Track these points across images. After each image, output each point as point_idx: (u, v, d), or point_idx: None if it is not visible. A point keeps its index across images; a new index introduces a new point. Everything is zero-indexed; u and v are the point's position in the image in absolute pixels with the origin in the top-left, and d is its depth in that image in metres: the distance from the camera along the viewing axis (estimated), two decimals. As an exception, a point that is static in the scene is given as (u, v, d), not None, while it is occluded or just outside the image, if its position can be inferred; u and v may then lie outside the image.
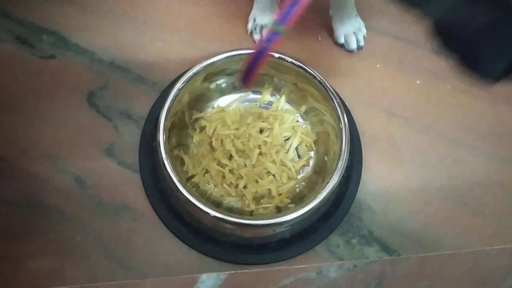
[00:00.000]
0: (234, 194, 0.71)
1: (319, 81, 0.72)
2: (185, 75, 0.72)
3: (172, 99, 0.70)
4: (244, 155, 0.73)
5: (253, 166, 0.72)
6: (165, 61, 0.81)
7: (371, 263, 0.70)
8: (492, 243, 0.72)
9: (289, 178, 0.73)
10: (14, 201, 0.72)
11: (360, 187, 0.74)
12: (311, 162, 0.75)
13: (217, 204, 0.71)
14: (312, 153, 0.76)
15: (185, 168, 0.72)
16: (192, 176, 0.72)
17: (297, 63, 0.73)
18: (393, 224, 0.72)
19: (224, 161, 0.72)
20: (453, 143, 0.78)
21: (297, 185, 0.73)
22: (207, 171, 0.73)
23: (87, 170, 0.74)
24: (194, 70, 0.72)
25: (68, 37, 0.83)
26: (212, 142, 0.73)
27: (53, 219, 0.71)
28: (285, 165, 0.73)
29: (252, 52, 0.58)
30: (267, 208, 0.71)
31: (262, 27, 0.83)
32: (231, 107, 0.77)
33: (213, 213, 0.65)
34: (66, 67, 0.81)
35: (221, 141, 0.73)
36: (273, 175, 0.73)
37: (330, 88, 0.71)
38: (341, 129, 0.69)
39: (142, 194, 0.72)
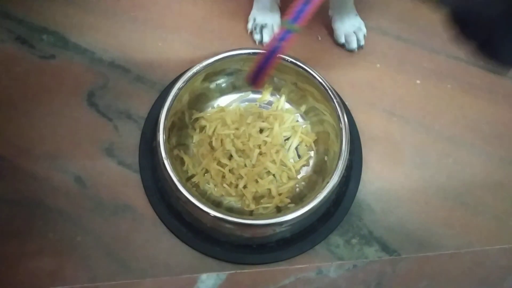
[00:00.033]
0: (234, 194, 0.71)
1: (319, 81, 0.72)
2: (185, 75, 0.72)
3: (172, 99, 0.70)
4: (244, 155, 0.73)
5: (253, 166, 0.72)
6: (165, 61, 0.81)
7: (371, 263, 0.70)
8: (492, 243, 0.72)
9: (289, 178, 0.73)
10: (14, 201, 0.72)
11: (360, 187, 0.74)
12: (311, 162, 0.75)
13: (217, 204, 0.71)
14: (312, 153, 0.76)
15: (185, 168, 0.72)
16: (192, 176, 0.72)
17: (297, 62, 0.73)
18: (393, 224, 0.72)
19: (224, 161, 0.72)
20: (453, 143, 0.78)
21: (297, 185, 0.73)
22: (207, 171, 0.73)
23: (87, 170, 0.74)
24: (194, 70, 0.72)
25: (68, 37, 0.83)
26: (212, 142, 0.73)
27: (53, 219, 0.71)
28: (285, 165, 0.73)
29: (264, 52, 0.58)
30: (267, 208, 0.71)
31: (262, 27, 0.83)
32: (231, 107, 0.77)
33: (213, 213, 0.65)
34: (66, 67, 0.81)
35: (221, 141, 0.73)
36: (273, 175, 0.73)
37: (330, 87, 0.71)
38: (341, 129, 0.69)
39: (142, 194, 0.72)
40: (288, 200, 0.71)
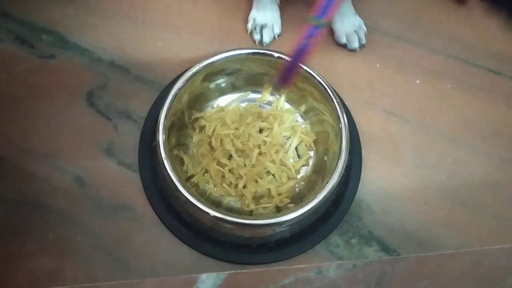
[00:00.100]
0: (233, 193, 0.71)
1: (318, 81, 0.72)
2: (184, 75, 0.72)
3: (171, 99, 0.70)
4: (244, 155, 0.73)
5: (253, 165, 0.72)
6: (165, 61, 0.81)
7: (370, 263, 0.70)
8: (492, 242, 0.72)
9: (289, 178, 0.73)
10: (13, 200, 0.72)
11: (359, 187, 0.74)
12: (311, 162, 0.75)
13: (216, 204, 0.71)
14: (311, 153, 0.76)
15: (184, 167, 0.72)
16: (192, 176, 0.72)
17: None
18: (393, 224, 0.72)
19: (224, 160, 0.72)
20: (453, 143, 0.78)
21: (296, 185, 0.73)
22: (206, 171, 0.73)
23: (86, 169, 0.74)
24: (194, 69, 0.72)
25: (68, 36, 0.83)
26: (211, 141, 0.73)
27: (53, 219, 0.71)
28: (285, 165, 0.73)
29: (293, 50, 0.58)
30: (266, 208, 0.71)
31: (262, 27, 0.83)
32: (230, 107, 0.77)
33: (212, 213, 0.65)
34: (65, 66, 0.81)
35: (221, 140, 0.73)
36: (273, 175, 0.73)
37: (329, 87, 0.71)
38: (340, 129, 0.69)
39: (141, 194, 0.72)
40: (288, 200, 0.71)
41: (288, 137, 0.75)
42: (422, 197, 0.74)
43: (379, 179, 0.75)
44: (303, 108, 0.77)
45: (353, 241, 0.71)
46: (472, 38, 0.86)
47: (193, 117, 0.75)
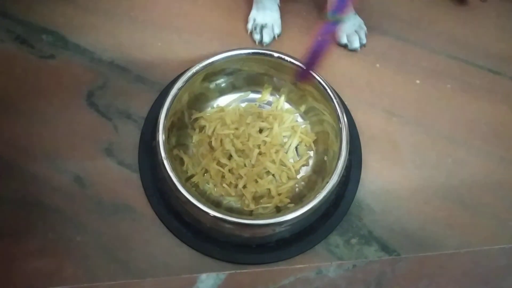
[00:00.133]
0: (233, 193, 0.71)
1: (318, 81, 0.72)
2: (184, 75, 0.72)
3: (171, 99, 0.70)
4: (244, 155, 0.73)
5: (253, 165, 0.72)
6: (165, 61, 0.81)
7: (370, 263, 0.70)
8: (492, 242, 0.72)
9: (289, 178, 0.73)
10: (13, 200, 0.72)
11: (359, 187, 0.74)
12: (311, 162, 0.75)
13: (216, 204, 0.71)
14: (311, 153, 0.76)
15: (184, 168, 0.72)
16: (192, 176, 0.72)
17: (297, 62, 0.73)
18: (393, 224, 0.72)
19: (224, 160, 0.72)
20: (453, 143, 0.78)
21: (296, 185, 0.73)
22: (206, 171, 0.73)
23: (86, 169, 0.74)
24: (194, 69, 0.72)
25: (68, 36, 0.83)
26: (211, 141, 0.73)
27: (53, 219, 0.71)
28: (285, 165, 0.73)
29: (311, 46, 0.58)
30: (266, 208, 0.71)
31: (262, 27, 0.83)
32: (230, 107, 0.77)
33: (212, 213, 0.65)
34: (65, 66, 0.81)
35: (221, 140, 0.73)
36: (273, 175, 0.73)
37: (329, 87, 0.71)
38: (340, 129, 0.69)
39: (141, 194, 0.72)
40: (288, 200, 0.71)
41: (288, 137, 0.75)
42: (422, 197, 0.74)
43: (379, 179, 0.75)
44: (303, 108, 0.77)
45: (353, 241, 0.71)
46: (472, 38, 0.86)
47: (193, 117, 0.75)
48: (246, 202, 0.71)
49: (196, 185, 0.72)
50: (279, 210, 0.71)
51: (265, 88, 0.78)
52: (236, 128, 0.74)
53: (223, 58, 0.73)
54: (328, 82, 0.72)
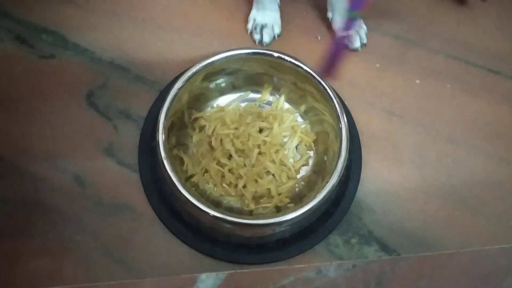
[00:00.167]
0: (233, 193, 0.71)
1: (318, 81, 0.72)
2: (184, 75, 0.72)
3: (171, 99, 0.70)
4: (244, 155, 0.73)
5: (253, 165, 0.72)
6: (165, 61, 0.81)
7: (370, 263, 0.70)
8: (492, 242, 0.72)
9: (289, 178, 0.73)
10: (13, 200, 0.72)
11: (359, 187, 0.74)
12: (311, 162, 0.75)
13: (216, 204, 0.71)
14: (311, 153, 0.76)
15: (184, 167, 0.72)
16: (192, 176, 0.72)
17: (297, 62, 0.73)
18: (393, 224, 0.72)
19: (224, 160, 0.72)
20: (453, 143, 0.78)
21: (296, 185, 0.73)
22: (206, 171, 0.73)
23: (86, 169, 0.74)
24: (194, 69, 0.72)
25: (68, 36, 0.83)
26: (211, 141, 0.73)
27: (52, 219, 0.71)
28: (285, 165, 0.73)
29: (333, 43, 0.59)
30: (266, 207, 0.71)
31: (262, 27, 0.83)
32: (230, 107, 0.77)
33: (212, 212, 0.65)
34: (65, 66, 0.81)
35: (221, 140, 0.73)
36: (273, 175, 0.73)
37: (329, 87, 0.71)
38: (340, 129, 0.69)
39: (141, 194, 0.72)
40: (288, 200, 0.71)
41: (288, 137, 0.75)
42: (422, 197, 0.74)
43: (379, 179, 0.75)
44: (303, 108, 0.77)
45: (353, 241, 0.71)
46: (472, 38, 0.86)
47: (193, 117, 0.75)
48: (246, 202, 0.71)
49: (196, 185, 0.72)
50: (279, 210, 0.71)
51: (265, 88, 0.78)
52: (236, 128, 0.74)
53: (223, 58, 0.73)
54: (327, 82, 0.72)
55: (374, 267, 0.70)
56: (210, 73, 0.74)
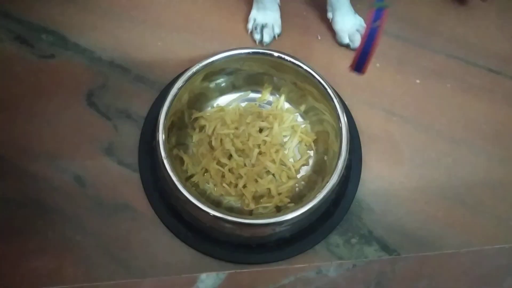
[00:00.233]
0: (233, 193, 0.71)
1: (318, 80, 0.72)
2: (184, 75, 0.72)
3: (171, 99, 0.70)
4: (244, 155, 0.73)
5: (253, 165, 0.72)
6: (165, 61, 0.81)
7: (370, 263, 0.70)
8: (492, 242, 0.72)
9: (289, 178, 0.73)
10: (13, 200, 0.72)
11: (359, 187, 0.74)
12: (311, 162, 0.75)
13: (216, 204, 0.71)
14: (311, 153, 0.76)
15: (184, 167, 0.72)
16: (192, 176, 0.72)
17: (297, 62, 0.73)
18: (393, 224, 0.72)
19: (224, 160, 0.72)
20: (453, 143, 0.78)
21: (296, 185, 0.73)
22: (206, 171, 0.73)
23: (86, 169, 0.74)
24: (194, 69, 0.72)
25: (68, 36, 0.83)
26: (211, 141, 0.73)
27: (53, 219, 0.71)
28: (285, 165, 0.73)
29: (363, 37, 0.59)
30: (266, 207, 0.71)
31: (263, 27, 0.83)
32: (230, 107, 0.77)
33: (212, 212, 0.65)
34: (65, 66, 0.81)
35: (221, 140, 0.73)
36: (273, 175, 0.73)
37: (329, 87, 0.71)
38: (340, 129, 0.69)
39: (141, 194, 0.72)
40: (288, 200, 0.71)
41: (288, 137, 0.75)
42: (422, 197, 0.74)
43: (379, 178, 0.75)
44: (303, 107, 0.77)
45: (353, 240, 0.71)
46: (472, 38, 0.86)
47: (193, 116, 0.75)
48: (246, 201, 0.70)
49: (196, 185, 0.72)
50: (279, 210, 0.71)
51: (265, 88, 0.78)
52: (236, 128, 0.74)
53: (223, 58, 0.73)
54: (328, 82, 0.72)
55: (374, 267, 0.70)
56: (210, 72, 0.74)
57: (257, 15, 0.83)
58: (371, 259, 0.71)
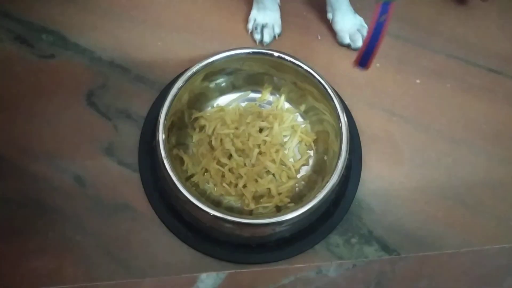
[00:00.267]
0: (233, 193, 0.71)
1: (318, 80, 0.72)
2: (184, 74, 0.72)
3: (171, 99, 0.70)
4: (244, 154, 0.73)
5: (253, 165, 0.72)
6: (165, 60, 0.81)
7: (370, 263, 0.70)
8: (492, 242, 0.72)
9: (289, 178, 0.73)
10: (13, 200, 0.72)
11: (359, 187, 0.74)
12: (311, 162, 0.75)
13: (216, 204, 0.71)
14: (311, 152, 0.76)
15: (184, 167, 0.72)
16: (192, 176, 0.72)
17: (297, 62, 0.73)
18: (393, 224, 0.72)
19: (224, 160, 0.72)
20: (453, 143, 0.78)
21: (296, 185, 0.73)
22: (206, 171, 0.73)
23: (86, 169, 0.74)
24: (194, 69, 0.72)
25: (68, 36, 0.83)
26: (211, 141, 0.73)
27: (53, 219, 0.71)
28: (285, 164, 0.73)
29: (369, 32, 0.59)
30: (266, 207, 0.71)
31: (263, 27, 0.83)
32: (230, 106, 0.77)
33: (212, 212, 0.65)
34: (65, 66, 0.81)
35: (221, 140, 0.73)
36: (273, 174, 0.73)
37: (329, 87, 0.71)
38: (340, 128, 0.69)
39: (141, 194, 0.72)
40: (288, 200, 0.71)
41: (288, 137, 0.75)
42: (422, 197, 0.74)
43: (379, 178, 0.75)
44: (303, 107, 0.77)
45: (353, 240, 0.71)
46: (472, 38, 0.86)
47: (193, 116, 0.75)
48: (246, 201, 0.70)
49: (196, 185, 0.72)
50: (279, 210, 0.71)
51: (265, 88, 0.78)
52: (236, 128, 0.74)
53: (223, 58, 0.73)
54: (328, 82, 0.72)
55: (374, 267, 0.70)
56: (210, 72, 0.74)
57: (257, 15, 0.83)
58: (371, 259, 0.71)
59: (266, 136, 0.74)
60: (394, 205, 0.74)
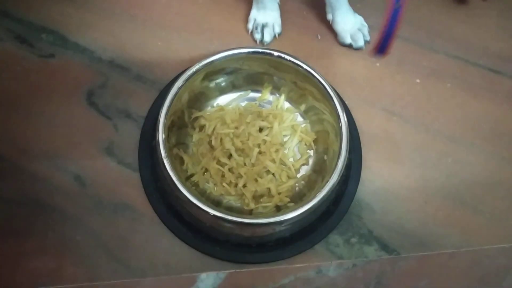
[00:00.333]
0: (233, 193, 0.71)
1: (318, 80, 0.72)
2: (184, 74, 0.72)
3: (171, 98, 0.70)
4: (244, 154, 0.73)
5: (253, 165, 0.72)
6: (165, 60, 0.81)
7: (370, 262, 0.70)
8: (492, 242, 0.72)
9: (289, 177, 0.73)
10: (13, 200, 0.72)
11: (359, 186, 0.74)
12: (311, 161, 0.75)
13: (216, 203, 0.71)
14: (311, 152, 0.76)
15: (184, 167, 0.72)
16: (192, 175, 0.72)
17: (297, 61, 0.73)
18: (393, 223, 0.72)
19: (224, 160, 0.72)
20: (453, 142, 0.78)
21: (296, 184, 0.73)
22: (206, 170, 0.73)
23: (86, 169, 0.74)
24: (194, 69, 0.72)
25: (68, 36, 0.83)
26: (211, 141, 0.73)
27: (53, 218, 0.71)
28: (285, 164, 0.73)
29: (385, 19, 0.59)
30: (266, 207, 0.71)
31: (263, 26, 0.83)
32: (230, 106, 0.77)
33: (212, 212, 0.65)
34: (65, 66, 0.81)
35: (221, 140, 0.73)
36: (273, 174, 0.73)
37: (329, 86, 0.71)
38: (340, 128, 0.69)
39: (141, 193, 0.72)
40: (288, 199, 0.71)
41: (288, 136, 0.75)
42: (422, 197, 0.74)
43: (379, 178, 0.75)
44: (303, 107, 0.77)
45: (353, 240, 0.71)
46: (472, 38, 0.86)
47: (193, 116, 0.75)
48: (246, 201, 0.70)
49: (196, 184, 0.72)
50: (279, 209, 0.71)
51: (265, 87, 0.78)
52: (236, 127, 0.74)
53: (223, 57, 0.73)
54: (328, 81, 0.72)
55: (374, 266, 0.70)
56: (210, 72, 0.74)
57: (257, 15, 0.83)
58: (371, 258, 0.71)
59: (266, 135, 0.74)
60: (394, 204, 0.74)
